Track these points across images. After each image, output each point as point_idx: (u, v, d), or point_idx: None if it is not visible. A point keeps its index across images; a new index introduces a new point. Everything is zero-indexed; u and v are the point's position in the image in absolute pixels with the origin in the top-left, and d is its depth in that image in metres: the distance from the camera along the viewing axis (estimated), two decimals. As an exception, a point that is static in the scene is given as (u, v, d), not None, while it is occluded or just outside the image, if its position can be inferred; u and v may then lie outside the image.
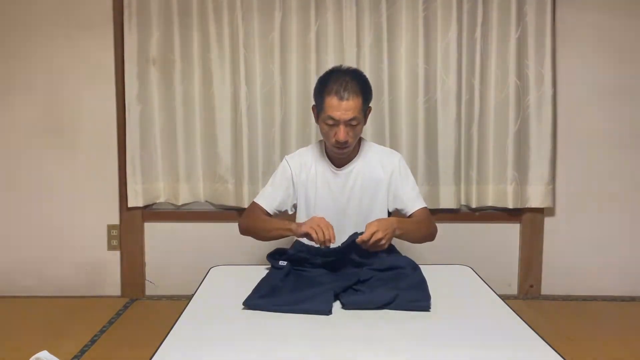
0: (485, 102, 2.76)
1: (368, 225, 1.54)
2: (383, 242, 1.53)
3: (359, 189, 1.81)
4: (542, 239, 2.87)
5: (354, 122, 1.69)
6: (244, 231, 1.85)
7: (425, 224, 1.79)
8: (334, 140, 1.71)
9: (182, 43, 2.74)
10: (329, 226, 1.56)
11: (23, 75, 2.82)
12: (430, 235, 1.81)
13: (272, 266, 1.56)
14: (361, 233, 1.54)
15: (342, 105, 1.66)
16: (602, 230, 2.88)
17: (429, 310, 1.32)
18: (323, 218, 1.59)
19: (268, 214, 1.83)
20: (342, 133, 1.68)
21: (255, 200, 1.88)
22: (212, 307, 1.39)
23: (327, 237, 1.53)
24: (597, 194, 2.86)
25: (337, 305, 1.35)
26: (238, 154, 2.77)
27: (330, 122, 1.69)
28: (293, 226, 1.66)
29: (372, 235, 1.51)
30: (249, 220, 1.84)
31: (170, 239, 2.90)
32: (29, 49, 2.80)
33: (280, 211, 1.86)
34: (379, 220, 1.61)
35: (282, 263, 1.54)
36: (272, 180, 1.89)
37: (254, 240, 1.84)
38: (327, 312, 1.30)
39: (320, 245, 1.55)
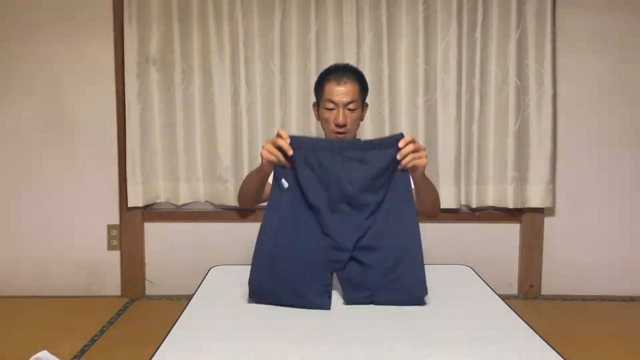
0: (485, 102, 2.76)
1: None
2: (423, 150, 1.41)
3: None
4: (542, 239, 2.87)
5: (352, 106, 1.75)
6: (239, 201, 1.85)
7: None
8: (333, 125, 1.76)
9: (182, 43, 2.74)
10: (276, 141, 1.39)
11: (23, 75, 2.82)
12: (437, 201, 1.83)
13: (276, 180, 1.42)
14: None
15: (341, 89, 1.74)
16: (602, 230, 2.88)
17: (424, 304, 1.35)
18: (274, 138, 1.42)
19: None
20: (341, 116, 1.74)
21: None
22: (212, 307, 1.39)
23: (277, 153, 1.39)
24: (597, 194, 2.86)
25: (336, 304, 1.36)
26: (238, 154, 2.77)
27: (330, 105, 1.75)
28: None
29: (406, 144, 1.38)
30: (240, 187, 1.83)
31: (170, 239, 2.90)
32: (29, 49, 2.80)
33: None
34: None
35: (285, 184, 1.40)
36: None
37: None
38: (326, 307, 1.33)
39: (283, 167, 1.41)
